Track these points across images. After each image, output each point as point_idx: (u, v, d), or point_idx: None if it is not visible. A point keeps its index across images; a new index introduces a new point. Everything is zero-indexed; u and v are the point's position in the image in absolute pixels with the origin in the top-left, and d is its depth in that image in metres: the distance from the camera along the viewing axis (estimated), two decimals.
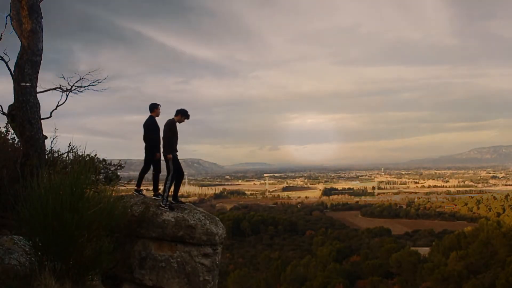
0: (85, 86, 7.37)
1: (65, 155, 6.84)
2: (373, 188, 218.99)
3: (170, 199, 6.62)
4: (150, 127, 6.86)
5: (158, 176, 7.09)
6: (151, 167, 7.02)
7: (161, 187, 7.34)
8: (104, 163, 7.63)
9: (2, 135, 6.58)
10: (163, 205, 6.40)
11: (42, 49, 6.10)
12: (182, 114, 6.74)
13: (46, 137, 6.33)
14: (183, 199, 7.16)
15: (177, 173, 6.64)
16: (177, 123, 6.72)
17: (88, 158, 6.71)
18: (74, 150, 6.77)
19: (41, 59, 6.10)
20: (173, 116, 6.76)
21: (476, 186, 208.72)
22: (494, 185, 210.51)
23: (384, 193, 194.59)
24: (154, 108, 6.91)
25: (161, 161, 7.14)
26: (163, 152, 6.64)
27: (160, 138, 6.77)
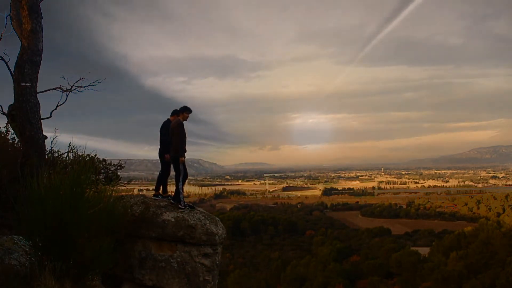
0: (85, 86, 7.36)
1: (65, 155, 6.83)
2: (373, 188, 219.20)
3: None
4: (161, 127, 7.00)
5: (164, 178, 7.10)
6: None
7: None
8: (104, 163, 7.62)
9: (2, 135, 6.58)
10: (182, 207, 6.42)
11: (42, 49, 6.10)
12: (184, 111, 6.73)
13: (46, 137, 6.33)
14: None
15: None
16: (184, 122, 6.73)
17: (88, 158, 6.71)
18: (74, 150, 6.77)
19: (41, 59, 6.10)
20: (177, 117, 6.75)
21: (476, 186, 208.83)
22: (494, 185, 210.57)
23: (384, 193, 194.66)
24: (175, 114, 6.90)
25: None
26: (174, 154, 6.59)
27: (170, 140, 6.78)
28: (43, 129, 6.18)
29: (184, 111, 6.72)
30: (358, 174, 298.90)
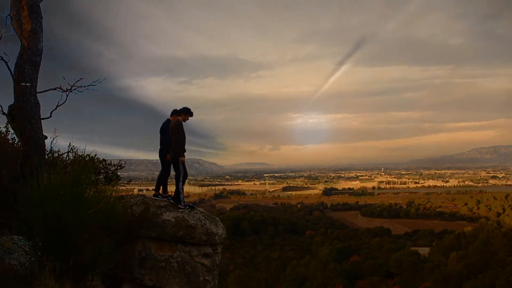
0: (85, 86, 7.35)
1: (65, 155, 6.83)
2: (373, 188, 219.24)
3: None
4: (161, 127, 7.03)
5: (164, 178, 7.11)
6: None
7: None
8: (104, 163, 7.62)
9: (2, 135, 6.58)
10: (182, 207, 6.42)
11: (42, 49, 6.09)
12: (186, 113, 6.72)
13: (46, 137, 6.33)
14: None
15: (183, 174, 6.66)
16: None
17: (88, 158, 6.71)
18: (74, 150, 6.77)
19: (41, 59, 6.09)
20: (177, 117, 6.75)
21: (476, 186, 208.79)
22: (494, 185, 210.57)
23: (384, 193, 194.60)
24: (174, 113, 6.92)
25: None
26: (174, 153, 6.59)
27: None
28: (43, 129, 6.17)
29: (186, 113, 6.71)
30: (358, 174, 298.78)
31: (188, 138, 6.67)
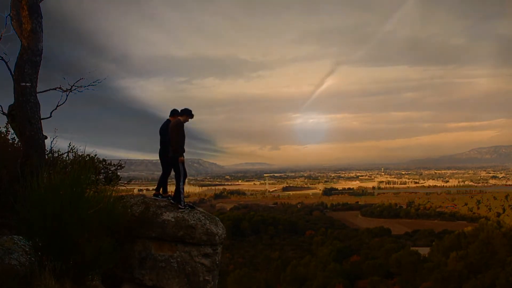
0: (85, 86, 7.34)
1: (65, 155, 6.83)
2: (373, 188, 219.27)
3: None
4: (161, 127, 7.02)
5: (164, 178, 7.11)
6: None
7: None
8: (104, 163, 7.61)
9: (2, 135, 6.58)
10: (182, 207, 6.42)
11: (42, 49, 6.08)
12: (187, 114, 6.72)
13: (46, 137, 6.32)
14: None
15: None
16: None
17: (88, 158, 6.70)
18: (74, 150, 6.76)
19: (41, 59, 6.08)
20: (177, 117, 6.76)
21: (476, 186, 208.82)
22: (494, 185, 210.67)
23: (384, 193, 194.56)
24: (174, 114, 6.92)
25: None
26: (173, 153, 6.59)
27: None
28: (43, 129, 6.17)
29: (188, 115, 6.71)
30: (358, 174, 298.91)
31: (187, 138, 6.68)
